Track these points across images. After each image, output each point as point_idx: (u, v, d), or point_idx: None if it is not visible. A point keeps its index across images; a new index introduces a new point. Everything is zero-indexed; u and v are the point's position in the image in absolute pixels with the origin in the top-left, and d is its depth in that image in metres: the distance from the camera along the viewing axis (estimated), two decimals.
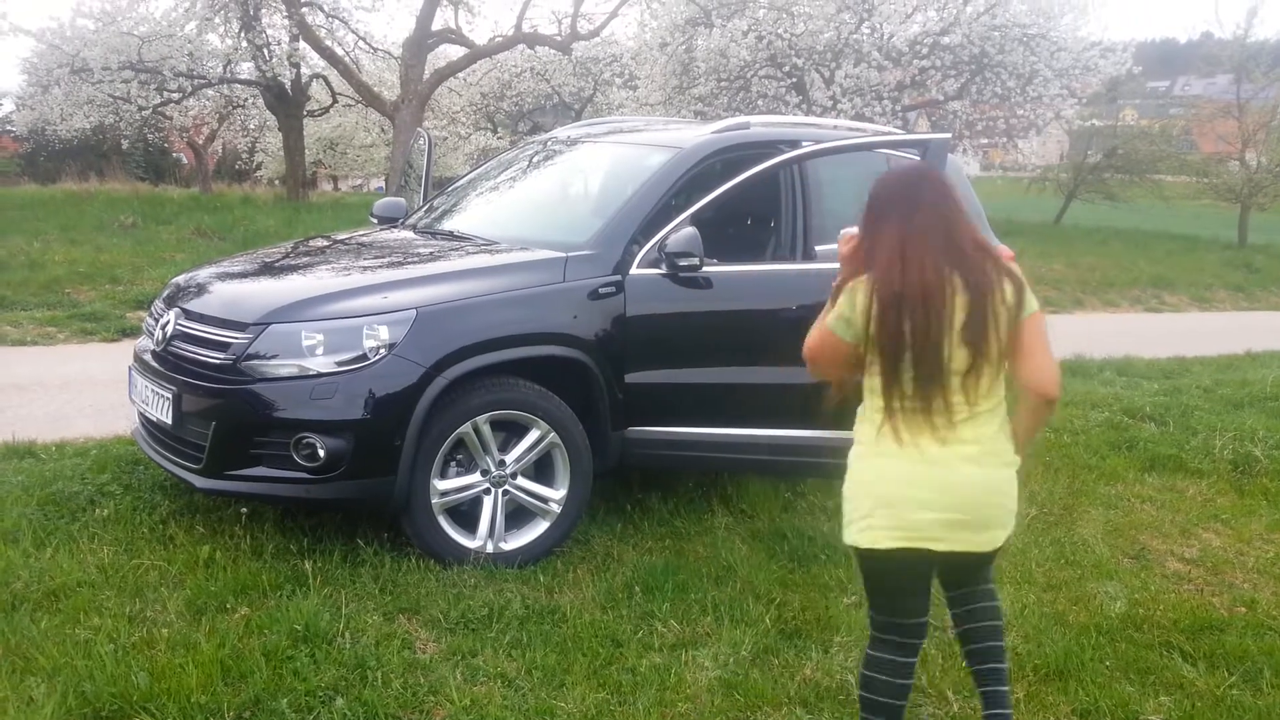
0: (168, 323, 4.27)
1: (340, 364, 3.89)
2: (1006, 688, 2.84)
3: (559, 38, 19.97)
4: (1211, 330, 12.46)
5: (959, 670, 3.45)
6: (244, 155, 30.85)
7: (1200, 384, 8.28)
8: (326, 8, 19.44)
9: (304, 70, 20.20)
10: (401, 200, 5.97)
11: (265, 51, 18.68)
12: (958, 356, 2.51)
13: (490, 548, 4.14)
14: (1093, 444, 6.36)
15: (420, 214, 5.64)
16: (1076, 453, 6.15)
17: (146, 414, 4.37)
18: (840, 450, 4.57)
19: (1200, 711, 3.29)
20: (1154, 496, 5.46)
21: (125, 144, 24.42)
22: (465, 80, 25.55)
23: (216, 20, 18.59)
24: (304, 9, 18.31)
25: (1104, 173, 24.54)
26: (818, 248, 5.10)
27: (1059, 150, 31.90)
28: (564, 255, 4.40)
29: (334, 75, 20.91)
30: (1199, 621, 3.92)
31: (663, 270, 4.39)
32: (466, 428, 4.05)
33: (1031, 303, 2.62)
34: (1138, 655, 3.62)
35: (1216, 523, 5.11)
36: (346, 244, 5.16)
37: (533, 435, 4.19)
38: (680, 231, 4.35)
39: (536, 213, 5.31)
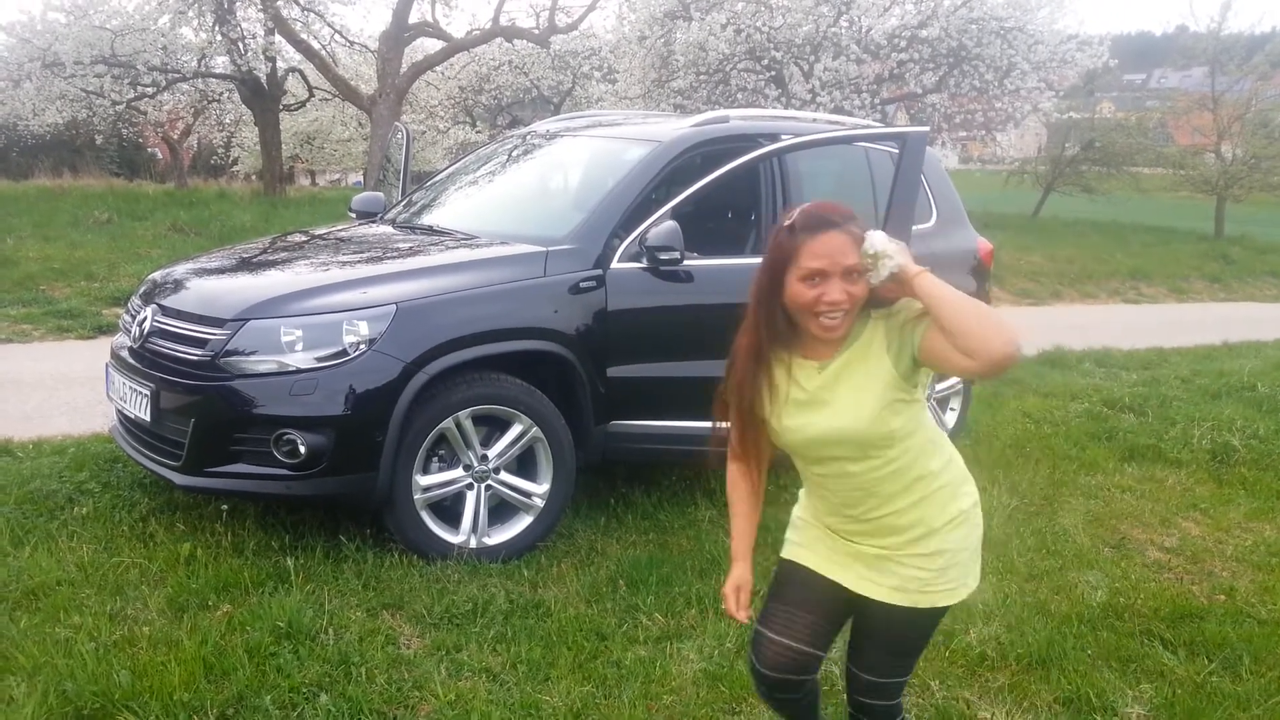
0: (145, 319, 4.24)
1: (320, 360, 3.87)
2: None
3: (537, 31, 19.90)
4: (1189, 321, 12.56)
5: (942, 660, 3.48)
6: (220, 150, 30.61)
7: (1178, 374, 8.36)
8: (302, 1, 19.30)
9: (280, 64, 20.05)
10: (380, 195, 5.94)
11: (240, 45, 18.49)
12: None
13: (474, 543, 4.13)
14: (1073, 435, 6.41)
15: (399, 209, 5.62)
16: (1057, 443, 6.19)
17: (125, 411, 4.34)
18: None
19: (1181, 699, 3.31)
20: (1134, 486, 5.50)
21: (99, 139, 24.23)
22: (443, 74, 25.43)
23: (190, 14, 18.38)
24: (279, 2, 18.16)
25: (1081, 165, 24.69)
26: None
27: (1037, 143, 32.04)
28: (544, 250, 4.39)
29: (310, 69, 20.78)
30: (1179, 610, 3.95)
31: (643, 264, 4.39)
32: (448, 423, 4.04)
33: None
34: (1119, 644, 3.65)
35: (1195, 512, 5.16)
36: (325, 239, 5.13)
37: (515, 430, 4.19)
38: (661, 225, 4.34)
39: (516, 207, 5.30)
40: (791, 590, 2.41)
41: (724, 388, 2.32)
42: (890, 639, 2.37)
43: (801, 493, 2.49)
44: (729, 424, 2.33)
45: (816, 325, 2.15)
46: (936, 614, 2.34)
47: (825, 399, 2.20)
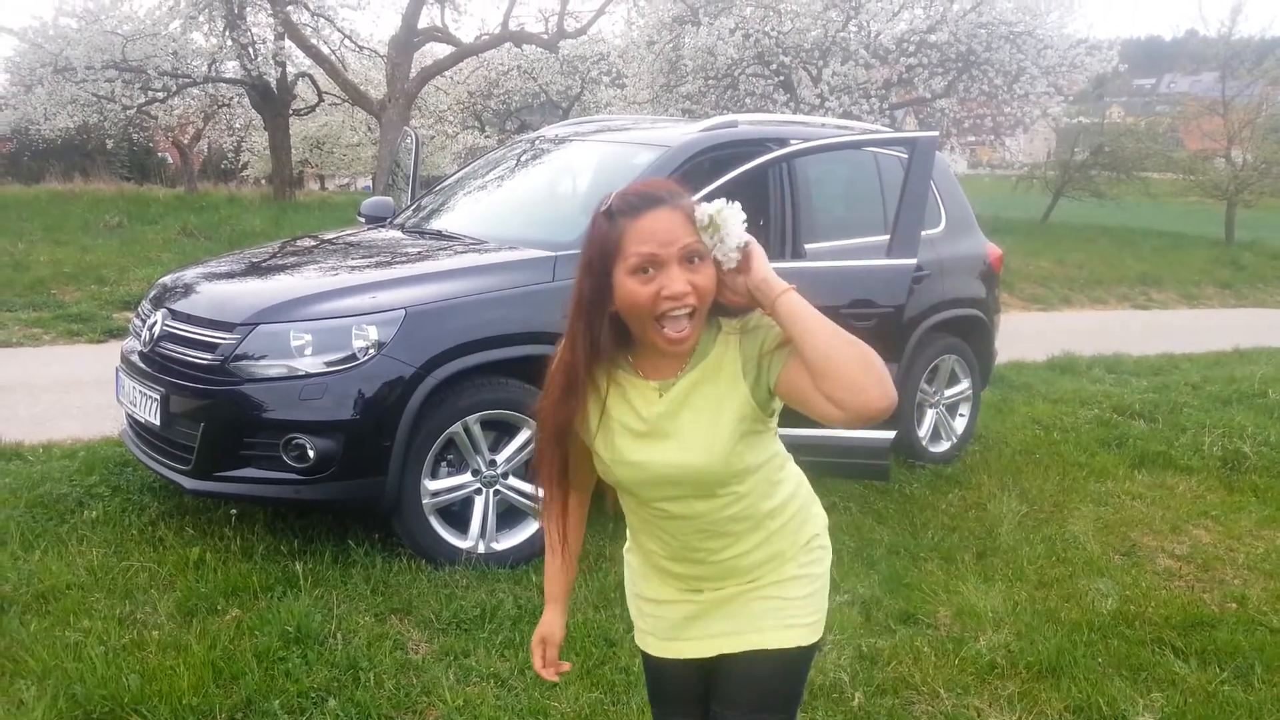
0: (155, 323, 4.25)
1: (329, 364, 3.87)
2: None
3: (546, 36, 19.94)
4: (1199, 327, 12.52)
5: (951, 668, 3.46)
6: (230, 154, 30.68)
7: (1189, 381, 8.32)
8: (312, 6, 19.35)
9: (289, 69, 20.13)
10: (389, 199, 5.95)
11: (250, 50, 18.58)
12: None
13: (482, 548, 4.13)
14: (1083, 441, 6.38)
15: (408, 213, 5.62)
16: (1067, 450, 6.17)
17: (134, 415, 4.35)
18: (821, 448, 4.60)
19: (1192, 707, 3.29)
20: (1144, 493, 5.47)
21: (110, 144, 24.27)
22: (452, 79, 25.49)
23: (201, 19, 18.49)
24: (289, 7, 18.24)
25: (1091, 170, 24.66)
26: (806, 246, 5.12)
27: (1046, 148, 32.00)
28: (553, 254, 4.38)
29: (320, 74, 20.85)
30: (1190, 618, 3.92)
31: None
32: (457, 428, 4.04)
33: None
34: (1130, 652, 3.63)
35: (1206, 519, 5.13)
36: (334, 244, 5.14)
37: (523, 435, 4.18)
38: None
39: (525, 211, 5.30)
40: (664, 686, 2.06)
41: (538, 407, 1.90)
42: (760, 696, 1.93)
43: (629, 554, 2.07)
44: (542, 448, 1.91)
45: (661, 337, 1.71)
46: (804, 655, 1.93)
47: (668, 430, 1.78)
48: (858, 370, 1.60)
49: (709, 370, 1.78)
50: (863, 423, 1.62)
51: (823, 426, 1.89)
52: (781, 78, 18.38)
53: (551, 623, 2.07)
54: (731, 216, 1.68)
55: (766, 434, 1.84)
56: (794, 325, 1.64)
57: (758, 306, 1.73)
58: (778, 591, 1.90)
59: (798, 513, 1.93)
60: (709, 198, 1.72)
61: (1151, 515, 5.14)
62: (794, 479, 1.96)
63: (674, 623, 1.96)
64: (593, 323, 1.73)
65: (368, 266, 4.63)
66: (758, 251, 1.71)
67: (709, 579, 1.91)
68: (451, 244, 4.82)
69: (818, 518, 2.00)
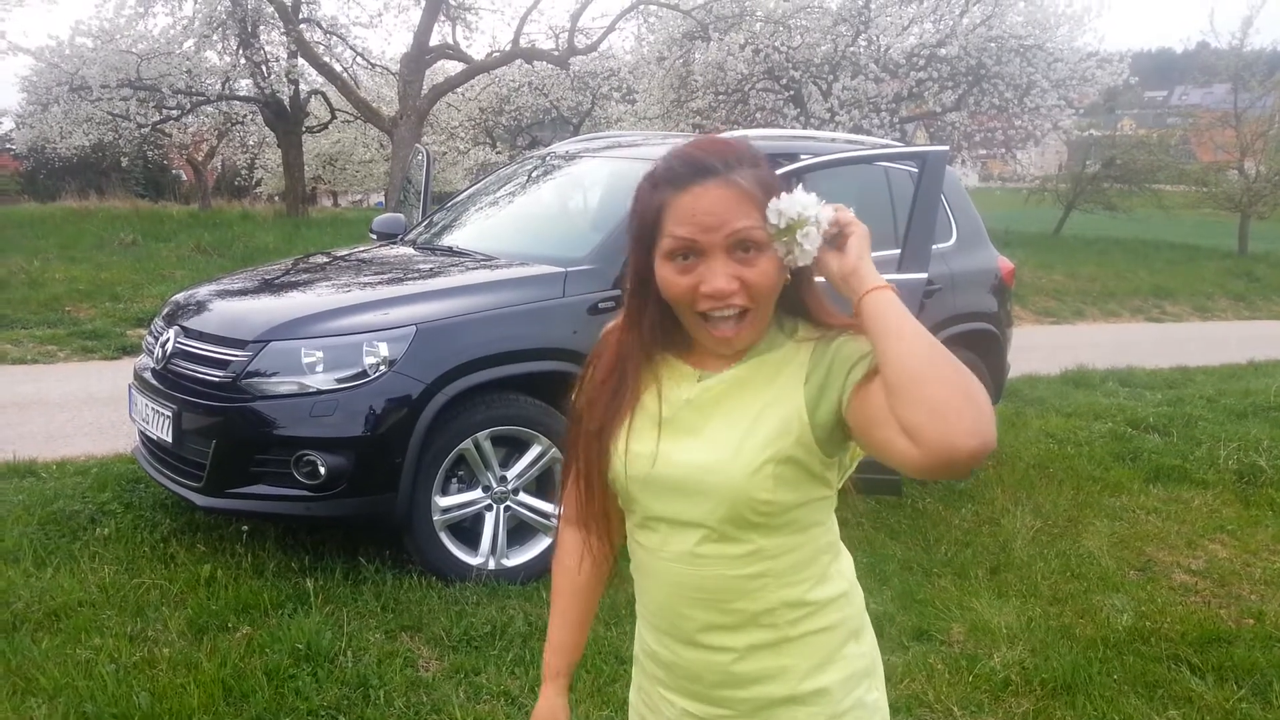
0: (168, 341, 4.27)
1: (340, 381, 3.88)
2: None
3: (556, 52, 20.00)
4: (1213, 339, 12.47)
5: (965, 685, 3.43)
6: (243, 172, 30.93)
7: (1203, 394, 8.28)
8: (324, 24, 19.53)
9: (302, 86, 20.28)
10: (401, 216, 5.98)
11: (264, 68, 18.73)
12: None
13: (492, 564, 4.12)
14: (1096, 455, 6.35)
15: (419, 230, 5.64)
16: (1080, 464, 6.13)
17: (147, 432, 4.36)
18: None
19: None
20: (1159, 508, 5.44)
21: (124, 161, 24.49)
22: (463, 95, 25.62)
23: (215, 37, 18.66)
24: (302, 25, 18.38)
25: (1103, 183, 24.67)
26: None
27: (1057, 161, 32.00)
28: (563, 270, 4.39)
29: (332, 91, 20.98)
30: (1207, 634, 3.89)
31: None
32: (467, 444, 4.04)
33: None
34: (1145, 668, 3.60)
35: (1222, 534, 5.09)
36: (346, 260, 5.16)
37: (534, 451, 4.18)
38: None
39: (535, 228, 5.31)
40: None
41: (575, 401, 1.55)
42: None
43: (635, 657, 1.66)
44: (572, 464, 1.55)
45: (705, 333, 1.39)
46: None
47: (694, 425, 1.41)
48: (949, 393, 1.18)
49: (764, 369, 1.40)
50: (944, 467, 1.19)
51: None
52: (791, 92, 18.42)
53: (555, 708, 1.59)
54: (812, 214, 1.32)
55: (816, 485, 1.41)
56: (878, 326, 1.26)
57: (854, 323, 1.35)
58: None
59: (829, 631, 1.46)
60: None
61: (1166, 530, 5.10)
62: (841, 585, 1.49)
63: None
64: (643, 303, 1.43)
65: (379, 283, 4.64)
66: (858, 232, 1.34)
67: (687, 677, 1.49)
68: (463, 260, 4.83)
69: (860, 656, 1.50)
